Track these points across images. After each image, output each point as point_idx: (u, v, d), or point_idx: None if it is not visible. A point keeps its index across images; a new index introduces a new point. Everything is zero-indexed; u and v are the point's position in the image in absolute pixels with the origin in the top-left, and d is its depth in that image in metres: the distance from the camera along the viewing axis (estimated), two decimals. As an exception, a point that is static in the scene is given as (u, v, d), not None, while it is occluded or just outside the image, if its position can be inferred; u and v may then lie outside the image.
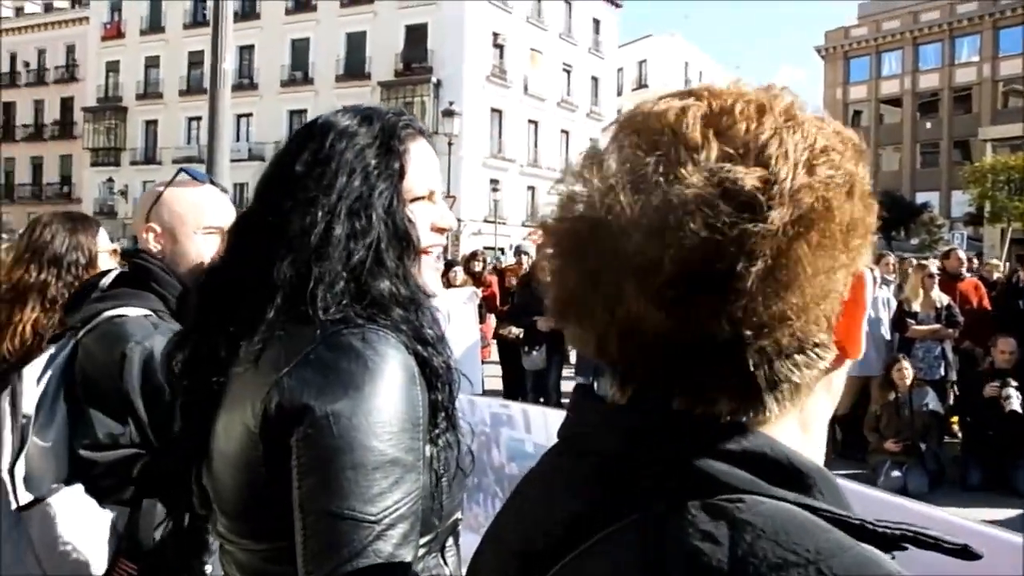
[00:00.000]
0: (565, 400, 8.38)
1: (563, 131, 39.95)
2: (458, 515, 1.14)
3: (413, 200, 1.12)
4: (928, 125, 42.13)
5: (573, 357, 8.67)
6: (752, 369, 0.52)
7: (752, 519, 0.48)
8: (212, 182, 1.78)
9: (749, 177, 0.50)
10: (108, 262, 2.12)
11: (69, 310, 1.71)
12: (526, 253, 10.19)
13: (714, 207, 0.49)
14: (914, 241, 31.52)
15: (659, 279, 0.50)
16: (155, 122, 41.60)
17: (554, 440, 0.64)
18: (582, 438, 0.60)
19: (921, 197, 37.99)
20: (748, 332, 0.51)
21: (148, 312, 1.62)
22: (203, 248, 1.67)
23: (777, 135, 0.53)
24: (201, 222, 1.69)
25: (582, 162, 0.57)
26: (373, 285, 1.03)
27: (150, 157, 41.04)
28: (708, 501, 0.50)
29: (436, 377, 1.04)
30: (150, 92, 41.68)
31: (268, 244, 1.04)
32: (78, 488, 1.50)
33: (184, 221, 1.69)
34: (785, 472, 0.52)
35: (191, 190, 1.73)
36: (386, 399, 0.94)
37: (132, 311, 1.61)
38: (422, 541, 0.99)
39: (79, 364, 1.59)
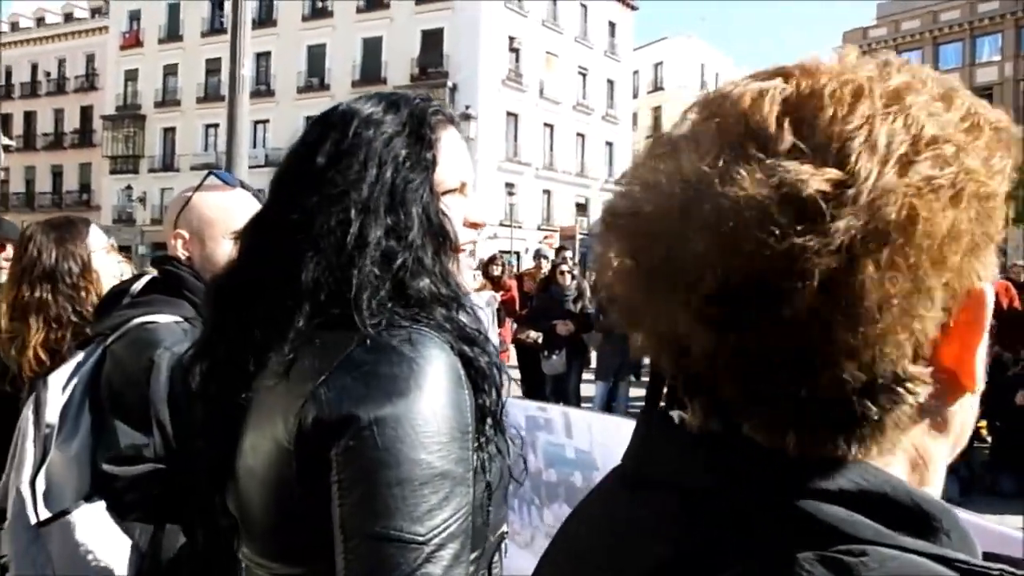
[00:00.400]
0: (585, 405, 8.32)
1: (579, 134, 39.90)
2: (504, 528, 1.07)
3: (445, 193, 1.04)
4: (948, 125, 41.76)
5: (593, 361, 8.62)
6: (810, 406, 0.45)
7: None
8: (243, 185, 1.71)
9: (815, 179, 0.42)
10: (104, 260, 2.06)
11: (98, 317, 1.67)
12: (545, 257, 10.14)
13: (768, 214, 0.42)
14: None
15: (701, 292, 0.44)
16: (173, 129, 41.95)
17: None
18: (658, 470, 0.52)
19: (942, 198, 37.61)
20: (802, 363, 0.44)
21: (179, 318, 1.57)
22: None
23: (867, 125, 0.44)
24: (230, 227, 1.62)
25: (656, 150, 0.50)
26: (412, 284, 0.95)
27: (168, 164, 41.40)
28: (824, 554, 0.41)
29: (483, 379, 0.96)
30: (168, 100, 42.04)
31: (291, 244, 0.95)
32: (100, 505, 1.45)
33: (213, 226, 1.64)
34: (908, 514, 0.44)
35: (220, 194, 1.68)
36: (433, 406, 0.87)
37: (163, 317, 1.56)
38: (471, 558, 0.91)
39: (106, 372, 1.54)
